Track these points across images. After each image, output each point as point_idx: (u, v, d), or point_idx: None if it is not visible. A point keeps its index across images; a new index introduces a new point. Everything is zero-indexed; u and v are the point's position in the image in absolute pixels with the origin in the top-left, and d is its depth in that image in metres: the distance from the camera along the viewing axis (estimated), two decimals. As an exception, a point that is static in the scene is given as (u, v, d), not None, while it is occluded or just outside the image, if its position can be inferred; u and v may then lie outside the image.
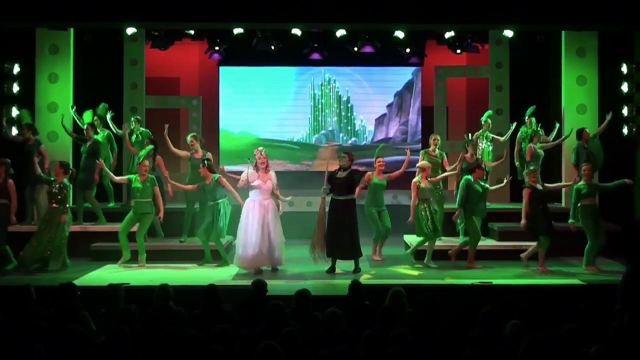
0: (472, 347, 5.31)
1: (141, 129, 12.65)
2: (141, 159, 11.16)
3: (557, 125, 12.69)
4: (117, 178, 11.27)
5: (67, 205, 10.58)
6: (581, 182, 10.45)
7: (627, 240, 11.72)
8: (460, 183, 10.75)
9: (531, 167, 10.85)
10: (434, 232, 10.74)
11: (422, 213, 10.71)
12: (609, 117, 12.26)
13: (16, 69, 12.46)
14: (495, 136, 13.02)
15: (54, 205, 10.43)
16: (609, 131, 12.88)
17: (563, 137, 12.55)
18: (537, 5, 10.67)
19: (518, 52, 14.06)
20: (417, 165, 11.24)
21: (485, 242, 11.69)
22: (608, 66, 12.89)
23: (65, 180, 10.56)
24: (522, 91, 14.02)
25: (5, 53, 12.48)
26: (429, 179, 10.98)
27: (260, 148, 10.73)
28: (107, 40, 13.59)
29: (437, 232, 10.84)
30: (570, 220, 10.58)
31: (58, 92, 12.77)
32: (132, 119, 12.76)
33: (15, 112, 12.38)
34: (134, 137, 12.52)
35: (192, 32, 13.82)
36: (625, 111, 12.72)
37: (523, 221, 10.38)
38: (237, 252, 10.37)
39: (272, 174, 10.52)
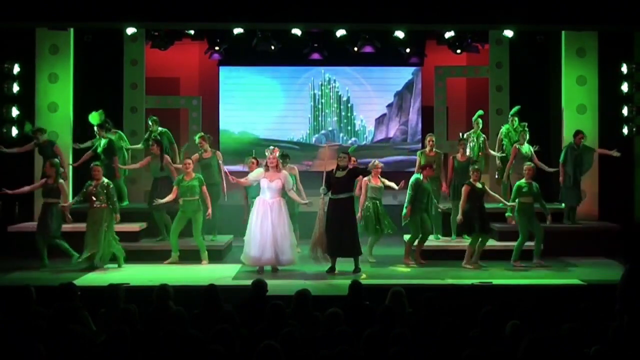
0: (472, 347, 5.31)
1: (159, 129, 12.66)
2: (181, 157, 11.19)
3: (537, 146, 12.46)
4: (170, 197, 11.01)
5: (115, 203, 10.62)
6: (523, 180, 10.79)
7: (627, 240, 11.73)
8: (410, 181, 10.98)
9: (475, 167, 11.00)
10: (381, 229, 11.12)
11: (369, 211, 11.04)
12: (615, 154, 12.25)
13: (16, 69, 12.47)
14: (488, 149, 12.90)
15: (98, 205, 10.47)
16: (608, 131, 12.91)
17: (554, 169, 12.38)
18: (537, 5, 10.68)
19: (518, 52, 14.05)
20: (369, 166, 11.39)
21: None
22: (608, 66, 12.89)
23: (106, 180, 10.62)
24: (522, 91, 14.01)
25: (5, 53, 12.49)
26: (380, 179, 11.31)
27: (270, 147, 10.68)
28: (107, 40, 13.57)
29: (380, 229, 11.14)
30: (507, 214, 11.16)
31: (58, 92, 12.77)
32: (150, 120, 12.72)
33: (15, 112, 12.40)
34: (153, 136, 12.53)
35: (192, 32, 13.81)
36: (625, 111, 12.72)
37: (459, 216, 10.71)
38: (244, 249, 10.41)
39: (284, 173, 10.47)
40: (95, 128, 12.20)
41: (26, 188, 11.05)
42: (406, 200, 10.93)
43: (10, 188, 12.28)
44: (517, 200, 10.75)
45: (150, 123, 12.66)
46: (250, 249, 10.24)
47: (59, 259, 11.16)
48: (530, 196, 10.74)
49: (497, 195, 11.11)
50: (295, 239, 10.59)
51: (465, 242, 11.62)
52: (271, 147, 10.63)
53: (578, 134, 12.26)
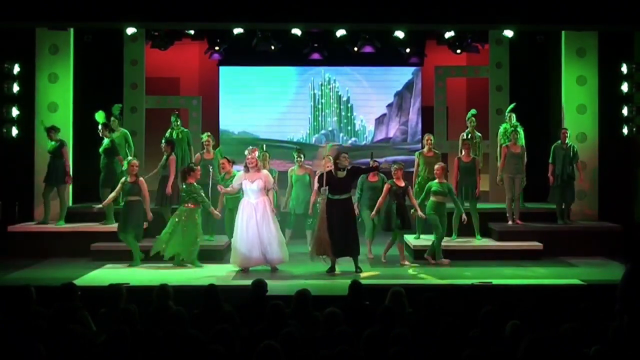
0: (472, 347, 5.31)
1: (181, 128, 12.72)
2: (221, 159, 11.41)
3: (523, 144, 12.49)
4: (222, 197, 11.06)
5: (206, 201, 10.74)
6: (435, 181, 11.04)
7: (627, 240, 11.73)
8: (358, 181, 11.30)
9: (395, 166, 11.11)
10: None
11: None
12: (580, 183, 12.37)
13: (16, 69, 12.47)
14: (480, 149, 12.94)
15: (190, 205, 10.60)
16: (608, 131, 12.91)
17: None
18: (537, 5, 10.67)
19: (518, 52, 14.05)
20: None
21: (485, 242, 11.71)
22: (608, 66, 12.88)
23: (193, 184, 10.69)
24: (522, 91, 14.01)
25: (5, 53, 12.49)
26: None
27: (250, 148, 10.62)
28: (107, 40, 13.58)
29: None
30: (412, 211, 11.18)
31: (58, 92, 12.77)
32: (173, 118, 12.75)
33: (15, 112, 12.41)
34: (174, 134, 12.58)
35: (192, 32, 13.81)
36: (625, 111, 12.72)
37: (373, 213, 10.94)
38: (232, 251, 10.39)
39: (264, 173, 10.41)
40: (100, 127, 12.19)
41: (112, 195, 10.99)
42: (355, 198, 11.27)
43: (11, 188, 12.39)
44: (430, 200, 11.02)
45: (173, 120, 12.69)
46: (239, 250, 10.22)
47: (59, 259, 11.20)
48: (441, 195, 10.97)
49: (414, 199, 11.16)
50: (283, 236, 10.54)
51: (466, 242, 11.65)
52: (250, 147, 10.59)
53: (561, 130, 12.29)
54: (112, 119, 12.41)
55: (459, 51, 14.27)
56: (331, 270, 10.29)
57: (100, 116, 12.29)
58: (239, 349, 5.59)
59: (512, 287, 9.28)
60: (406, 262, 10.88)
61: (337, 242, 10.15)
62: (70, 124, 12.75)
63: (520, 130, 12.47)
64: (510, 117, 12.66)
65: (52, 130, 11.96)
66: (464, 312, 6.56)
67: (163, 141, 12.18)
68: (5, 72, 12.40)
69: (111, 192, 12.09)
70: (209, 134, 12.11)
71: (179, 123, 12.74)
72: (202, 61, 15.57)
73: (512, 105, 12.79)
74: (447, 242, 11.69)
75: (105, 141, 12.12)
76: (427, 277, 10.11)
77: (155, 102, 14.62)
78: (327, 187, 10.19)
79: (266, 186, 10.34)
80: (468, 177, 11.69)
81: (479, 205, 12.02)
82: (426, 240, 11.75)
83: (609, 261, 11.11)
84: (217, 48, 14.30)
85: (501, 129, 12.79)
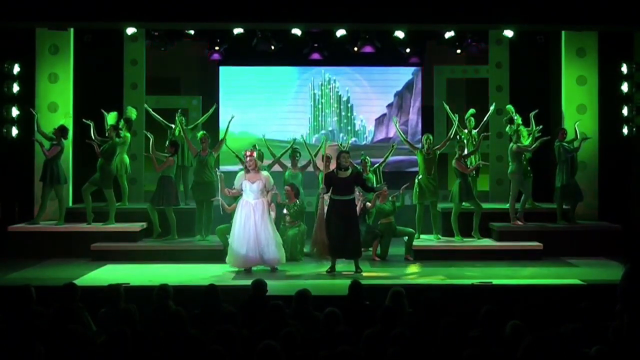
0: (472, 347, 5.31)
1: (185, 128, 12.75)
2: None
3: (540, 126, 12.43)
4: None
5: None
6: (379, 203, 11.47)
7: (627, 240, 11.72)
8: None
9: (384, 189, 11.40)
10: None
11: None
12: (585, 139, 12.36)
13: (16, 69, 12.45)
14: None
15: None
16: (608, 131, 12.91)
17: (535, 144, 12.26)
18: (537, 5, 10.68)
19: (518, 52, 14.05)
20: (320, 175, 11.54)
21: (485, 242, 11.71)
22: (608, 66, 12.88)
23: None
24: (522, 91, 14.01)
25: (5, 53, 12.48)
26: None
27: (250, 149, 10.63)
28: (107, 40, 13.56)
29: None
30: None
31: (58, 92, 12.76)
32: (178, 117, 12.81)
33: (15, 112, 12.40)
34: (177, 132, 12.65)
35: (192, 32, 13.81)
36: (625, 111, 12.72)
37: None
38: (229, 251, 10.38)
39: (264, 174, 10.40)
40: (108, 127, 12.15)
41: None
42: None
43: (11, 188, 12.39)
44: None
45: (177, 119, 12.73)
46: (236, 250, 10.21)
47: (59, 259, 11.20)
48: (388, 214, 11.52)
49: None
50: (280, 238, 10.53)
51: (466, 242, 11.64)
52: (249, 150, 10.54)
53: (559, 131, 12.28)
54: (122, 123, 12.39)
55: (459, 51, 14.27)
56: (331, 270, 10.29)
57: (112, 117, 12.29)
58: (239, 349, 5.58)
59: (512, 287, 9.29)
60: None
61: (335, 242, 10.10)
62: (70, 124, 12.73)
63: (521, 129, 12.46)
64: (508, 119, 12.65)
65: (60, 132, 11.88)
66: (464, 312, 6.55)
67: (167, 142, 12.18)
68: (5, 72, 12.38)
69: (111, 192, 12.09)
70: (205, 132, 12.15)
71: (183, 121, 12.75)
72: (202, 61, 15.56)
73: (508, 108, 12.75)
74: (448, 242, 11.71)
75: (108, 143, 12.05)
76: (427, 277, 10.12)
77: (155, 102, 14.59)
78: (325, 187, 10.14)
79: (266, 187, 10.33)
80: (465, 177, 11.69)
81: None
82: (426, 240, 11.78)
83: (609, 261, 11.11)
84: (217, 48, 14.30)
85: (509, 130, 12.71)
